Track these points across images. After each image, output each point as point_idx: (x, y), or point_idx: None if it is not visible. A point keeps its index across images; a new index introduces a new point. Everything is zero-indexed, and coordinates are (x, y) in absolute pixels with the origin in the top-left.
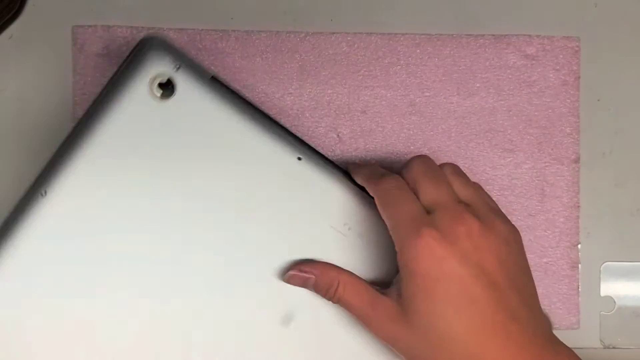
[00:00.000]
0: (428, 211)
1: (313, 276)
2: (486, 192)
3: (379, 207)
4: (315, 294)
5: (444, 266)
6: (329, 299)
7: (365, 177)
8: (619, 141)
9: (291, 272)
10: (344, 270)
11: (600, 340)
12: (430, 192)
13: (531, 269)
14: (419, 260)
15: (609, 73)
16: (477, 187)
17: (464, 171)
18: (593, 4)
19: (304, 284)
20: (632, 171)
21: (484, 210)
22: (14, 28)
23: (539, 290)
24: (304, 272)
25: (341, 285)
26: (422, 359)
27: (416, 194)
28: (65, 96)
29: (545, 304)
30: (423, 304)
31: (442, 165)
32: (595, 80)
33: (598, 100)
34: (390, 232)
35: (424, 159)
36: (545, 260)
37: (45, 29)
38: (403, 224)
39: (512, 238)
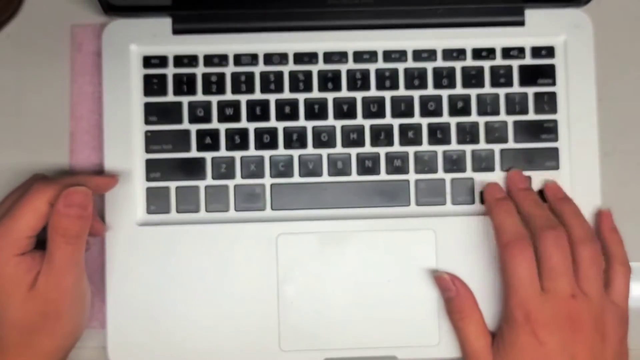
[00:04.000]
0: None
1: (454, 293)
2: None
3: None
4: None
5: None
6: (450, 319)
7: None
8: (620, 141)
9: (443, 276)
10: (478, 309)
11: None
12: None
13: None
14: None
15: (610, 73)
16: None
17: None
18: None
19: (443, 290)
20: (633, 171)
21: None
22: (12, 27)
23: None
24: (452, 284)
25: (467, 320)
26: None
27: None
28: (63, 95)
29: None
30: None
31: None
32: (597, 80)
33: (600, 100)
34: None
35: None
36: None
37: (43, 28)
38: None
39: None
